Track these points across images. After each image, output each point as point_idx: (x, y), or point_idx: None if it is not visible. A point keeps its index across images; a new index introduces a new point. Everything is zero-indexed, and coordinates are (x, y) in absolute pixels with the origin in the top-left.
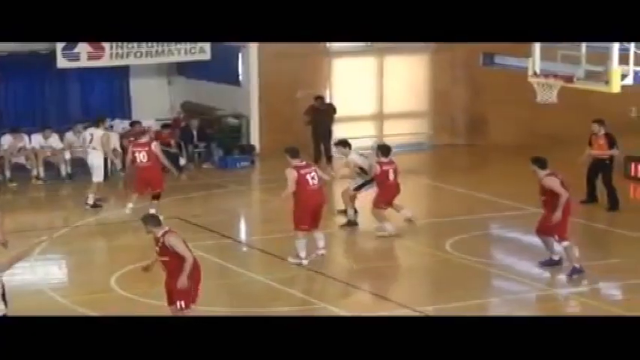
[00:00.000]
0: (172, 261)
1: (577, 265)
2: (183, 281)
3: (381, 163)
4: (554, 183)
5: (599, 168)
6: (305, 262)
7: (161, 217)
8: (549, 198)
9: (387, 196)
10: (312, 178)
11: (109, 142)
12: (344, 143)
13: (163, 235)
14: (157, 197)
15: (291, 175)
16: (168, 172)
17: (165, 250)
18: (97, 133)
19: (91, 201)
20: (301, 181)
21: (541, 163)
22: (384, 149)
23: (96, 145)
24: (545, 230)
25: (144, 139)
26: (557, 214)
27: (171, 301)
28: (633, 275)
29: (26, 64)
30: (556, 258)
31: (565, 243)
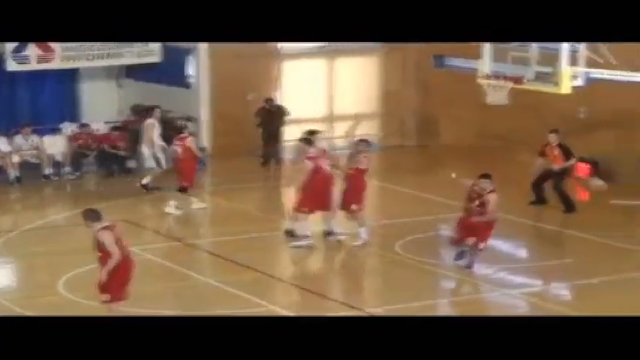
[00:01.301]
0: (104, 256)
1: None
2: (102, 276)
3: (367, 156)
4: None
5: (552, 175)
6: (311, 240)
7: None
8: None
9: (362, 192)
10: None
11: (153, 132)
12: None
13: (98, 230)
14: (182, 190)
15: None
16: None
17: (99, 245)
18: (146, 122)
19: (145, 181)
20: (316, 167)
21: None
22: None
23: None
24: None
25: (183, 134)
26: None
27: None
28: (584, 276)
29: None
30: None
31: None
